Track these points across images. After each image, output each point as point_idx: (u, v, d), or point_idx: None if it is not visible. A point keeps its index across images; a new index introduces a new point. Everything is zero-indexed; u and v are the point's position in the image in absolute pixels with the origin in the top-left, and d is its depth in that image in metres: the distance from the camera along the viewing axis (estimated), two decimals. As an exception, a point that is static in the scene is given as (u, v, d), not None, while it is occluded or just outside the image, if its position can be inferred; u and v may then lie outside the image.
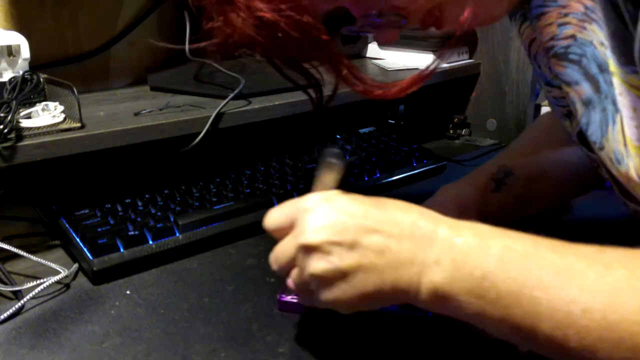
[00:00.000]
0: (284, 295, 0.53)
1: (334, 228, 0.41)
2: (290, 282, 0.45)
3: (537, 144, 0.69)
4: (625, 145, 0.43)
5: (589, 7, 0.44)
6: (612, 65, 0.42)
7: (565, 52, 0.47)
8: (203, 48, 0.46)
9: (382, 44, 0.54)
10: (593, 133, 0.47)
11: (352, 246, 0.40)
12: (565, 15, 0.46)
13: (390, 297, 0.40)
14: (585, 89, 0.46)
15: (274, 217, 0.45)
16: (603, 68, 0.44)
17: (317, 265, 0.40)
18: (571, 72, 0.47)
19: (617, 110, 0.43)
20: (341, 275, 0.40)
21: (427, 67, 0.47)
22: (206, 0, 0.44)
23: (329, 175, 0.44)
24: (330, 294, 0.41)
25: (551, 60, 0.48)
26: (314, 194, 0.44)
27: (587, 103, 0.46)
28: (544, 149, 0.67)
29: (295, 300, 0.52)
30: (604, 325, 0.33)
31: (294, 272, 0.43)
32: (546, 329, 0.35)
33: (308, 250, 0.41)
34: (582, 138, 0.51)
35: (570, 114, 0.53)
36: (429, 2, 0.47)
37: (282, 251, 0.44)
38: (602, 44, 0.43)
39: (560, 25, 0.46)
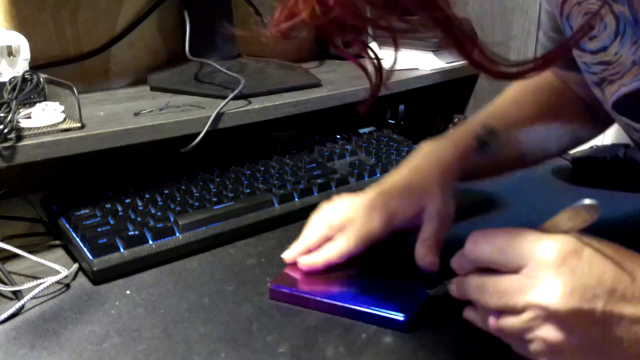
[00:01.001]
0: (275, 284, 0.54)
1: (584, 295, 0.35)
2: (495, 322, 0.40)
3: (520, 103, 0.68)
4: None
5: None
6: None
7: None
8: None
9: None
10: None
11: (603, 317, 0.36)
12: None
13: None
14: None
15: (484, 251, 0.40)
16: None
17: (557, 334, 0.36)
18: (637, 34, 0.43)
19: None
20: (579, 349, 0.37)
21: (553, 49, 0.42)
22: None
23: (570, 220, 0.39)
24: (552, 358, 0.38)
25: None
26: (557, 241, 0.38)
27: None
28: (527, 106, 0.66)
29: (286, 290, 0.54)
30: None
31: (513, 321, 0.38)
32: None
33: (552, 314, 0.36)
34: (623, 106, 0.48)
35: (603, 81, 0.51)
36: None
37: (502, 291, 0.38)
38: None
39: None
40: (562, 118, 0.53)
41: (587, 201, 0.38)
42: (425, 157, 0.62)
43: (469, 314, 0.44)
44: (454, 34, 0.38)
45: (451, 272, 0.46)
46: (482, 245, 0.40)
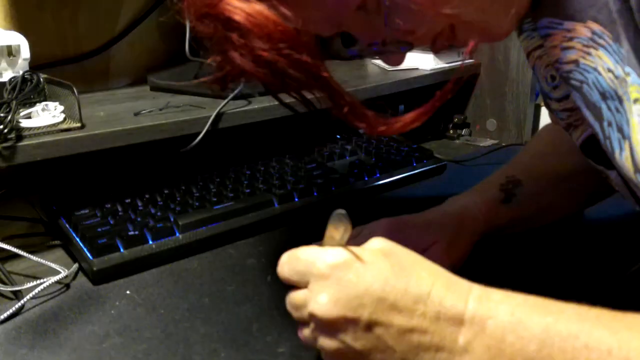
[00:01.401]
0: None
1: (349, 304, 0.37)
2: (300, 334, 0.43)
3: (544, 154, 0.68)
4: (636, 171, 0.41)
5: (597, 32, 0.42)
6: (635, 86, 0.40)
7: (567, 77, 0.45)
8: (205, 48, 0.46)
9: (390, 65, 0.52)
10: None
11: (368, 326, 0.37)
12: (570, 39, 0.44)
13: None
14: (587, 115, 0.45)
15: (285, 272, 0.42)
16: (607, 95, 0.42)
17: (330, 342, 0.38)
18: (574, 97, 0.46)
19: (624, 137, 0.42)
20: (354, 354, 0.38)
21: (428, 103, 0.45)
22: (206, 37, 0.44)
23: (337, 231, 0.41)
24: None
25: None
26: (327, 255, 0.40)
27: (592, 126, 0.45)
28: (552, 159, 0.67)
29: None
30: None
31: (306, 331, 0.41)
32: None
33: (320, 323, 0.38)
34: (587, 149, 0.50)
35: (570, 127, 0.53)
36: (437, 25, 0.45)
37: (294, 306, 0.41)
38: (609, 70, 0.42)
39: (563, 49, 0.45)
40: (589, 164, 0.53)
41: (337, 211, 0.40)
42: (449, 202, 0.63)
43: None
44: (329, 92, 0.42)
45: None
46: (282, 266, 0.42)
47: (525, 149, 0.72)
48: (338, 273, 0.38)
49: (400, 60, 0.50)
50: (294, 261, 0.41)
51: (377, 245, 0.41)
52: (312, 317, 0.39)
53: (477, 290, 0.38)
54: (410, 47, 0.47)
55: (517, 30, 0.56)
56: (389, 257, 0.39)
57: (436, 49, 0.49)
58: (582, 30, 0.43)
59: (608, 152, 0.44)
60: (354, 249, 0.40)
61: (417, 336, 0.36)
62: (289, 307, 0.42)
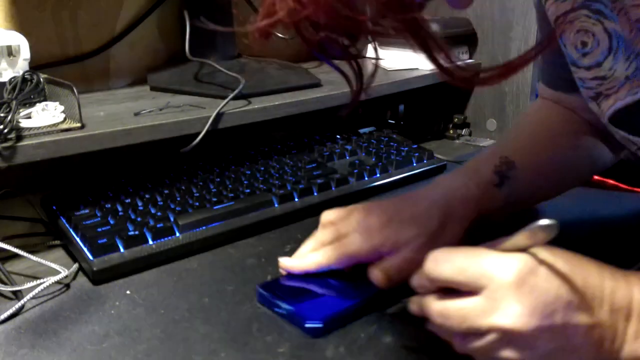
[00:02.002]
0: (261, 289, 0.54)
1: (544, 312, 0.36)
2: (460, 344, 0.41)
3: (536, 134, 0.67)
4: None
5: None
6: None
7: None
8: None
9: (457, 7, 0.48)
10: None
11: (561, 330, 0.37)
12: None
13: None
14: None
15: (444, 271, 0.40)
16: None
17: (520, 354, 0.37)
18: None
19: None
20: (539, 358, 0.38)
21: (518, 57, 0.41)
22: None
23: (528, 239, 0.39)
24: None
25: None
26: (513, 260, 0.38)
27: None
28: (544, 140, 0.65)
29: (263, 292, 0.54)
30: None
31: (479, 343, 0.39)
32: None
33: (512, 335, 0.37)
34: (619, 119, 0.49)
35: (599, 96, 0.51)
36: None
37: (464, 317, 0.39)
38: None
39: None
40: (579, 145, 0.52)
41: (544, 222, 0.37)
42: (434, 185, 0.59)
43: (433, 327, 0.44)
44: (421, 38, 0.38)
45: (409, 289, 0.46)
46: (442, 264, 0.40)
47: (515, 127, 0.70)
48: (530, 281, 0.37)
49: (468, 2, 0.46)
50: (463, 262, 0.39)
51: (541, 246, 0.39)
52: (499, 330, 0.37)
53: (635, 277, 0.39)
54: None
55: None
56: (558, 256, 0.39)
57: None
58: None
59: None
60: (532, 251, 0.38)
61: (600, 331, 0.37)
62: (440, 315, 0.40)
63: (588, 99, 0.53)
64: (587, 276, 0.38)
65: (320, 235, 0.58)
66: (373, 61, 0.46)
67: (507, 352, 0.38)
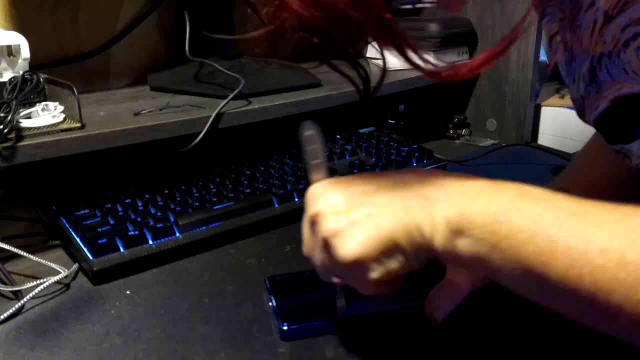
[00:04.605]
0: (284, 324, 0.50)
1: (340, 193, 0.42)
2: (317, 265, 0.45)
3: (588, 167, 0.69)
4: None
5: None
6: None
7: None
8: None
9: (448, 10, 0.50)
10: None
11: (360, 202, 0.41)
12: None
13: (407, 241, 0.40)
14: None
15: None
16: None
17: (327, 223, 0.41)
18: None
19: None
20: (351, 222, 0.40)
21: (498, 44, 0.43)
22: None
23: (314, 146, 0.46)
24: (344, 249, 0.40)
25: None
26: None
27: None
28: (595, 173, 0.67)
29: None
30: (622, 266, 0.32)
31: (316, 253, 0.44)
32: (560, 267, 0.34)
33: (316, 216, 0.42)
34: (600, 125, 0.49)
35: (582, 115, 0.53)
36: None
37: (303, 240, 0.44)
38: None
39: None
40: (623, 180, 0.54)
41: (306, 132, 0.46)
42: None
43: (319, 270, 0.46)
44: (390, 35, 0.41)
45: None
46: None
47: (571, 164, 0.73)
48: (328, 183, 0.45)
49: (459, 5, 0.50)
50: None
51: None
52: (310, 220, 0.44)
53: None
54: None
55: (540, 14, 0.55)
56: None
57: None
58: None
59: None
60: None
61: (405, 198, 0.41)
62: (305, 252, 0.46)
63: (578, 114, 0.54)
64: (392, 174, 0.44)
65: None
66: (380, 64, 0.48)
67: (322, 228, 0.42)
